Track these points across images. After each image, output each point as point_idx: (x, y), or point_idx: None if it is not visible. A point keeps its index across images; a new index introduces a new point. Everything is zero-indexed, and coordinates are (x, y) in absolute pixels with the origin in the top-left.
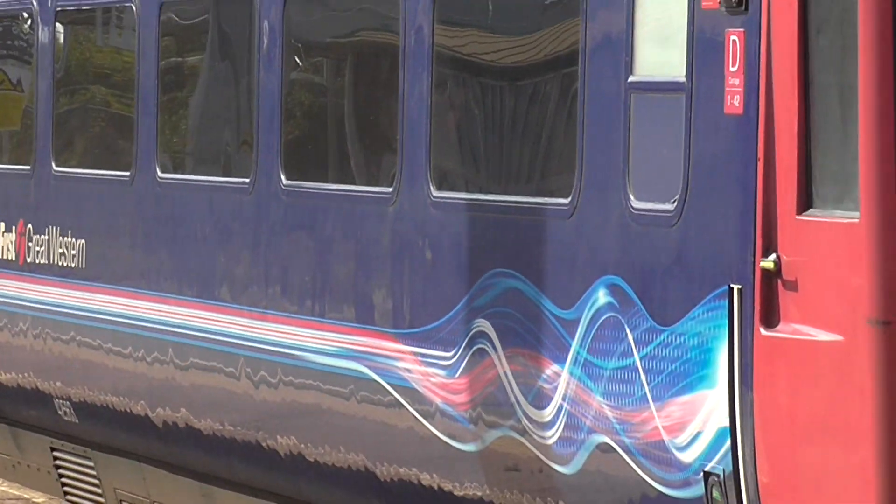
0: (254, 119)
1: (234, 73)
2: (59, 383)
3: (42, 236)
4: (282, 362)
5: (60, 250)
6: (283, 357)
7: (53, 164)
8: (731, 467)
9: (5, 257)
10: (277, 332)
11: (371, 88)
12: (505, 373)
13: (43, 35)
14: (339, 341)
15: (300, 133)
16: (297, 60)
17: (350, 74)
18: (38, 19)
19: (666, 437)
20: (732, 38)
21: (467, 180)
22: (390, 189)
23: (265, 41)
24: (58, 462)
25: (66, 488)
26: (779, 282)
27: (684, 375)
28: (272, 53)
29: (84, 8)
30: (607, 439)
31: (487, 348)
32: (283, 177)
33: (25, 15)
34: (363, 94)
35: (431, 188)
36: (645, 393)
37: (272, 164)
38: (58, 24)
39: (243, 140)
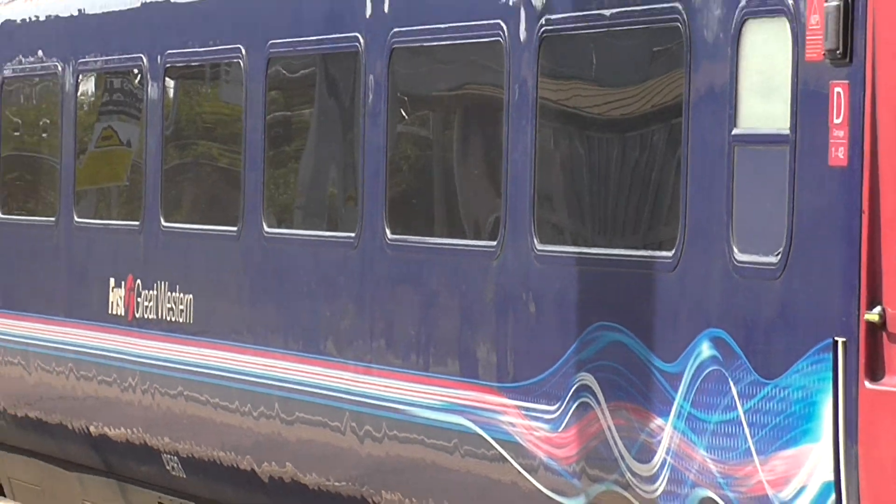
0: (359, 173)
1: (339, 126)
2: (167, 438)
3: (151, 291)
4: (386, 416)
5: (169, 305)
6: (388, 411)
7: (162, 220)
8: None
9: (114, 312)
10: (382, 386)
11: (475, 141)
12: (609, 426)
13: (152, 91)
14: (442, 395)
15: (405, 187)
16: (403, 114)
17: (454, 127)
18: (148, 75)
19: (770, 492)
20: (837, 90)
21: (570, 233)
22: (494, 243)
23: (370, 95)
24: None
25: None
26: (884, 334)
27: (788, 429)
28: (377, 107)
29: (193, 64)
30: (711, 493)
31: (591, 402)
32: (388, 231)
33: (135, 71)
34: (468, 148)
35: (535, 241)
36: (749, 447)
37: (377, 218)
38: (167, 80)
39: (349, 194)
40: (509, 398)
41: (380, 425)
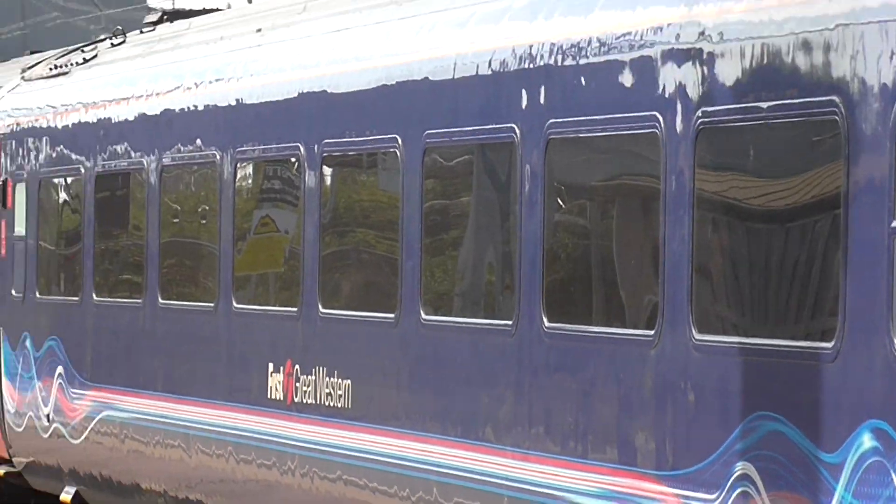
0: (516, 261)
1: (496, 215)
2: None
3: (309, 377)
4: (543, 503)
5: (327, 390)
6: (545, 497)
7: (320, 306)
8: None
9: (273, 397)
10: (539, 472)
11: (632, 231)
12: None
13: (309, 179)
14: (601, 482)
15: (562, 275)
16: (559, 203)
17: (611, 217)
18: (305, 164)
19: None
20: None
21: (729, 323)
22: (652, 332)
23: (527, 184)
24: None
25: None
26: None
27: None
28: (534, 196)
29: (350, 153)
30: None
31: (751, 491)
32: (545, 319)
33: (293, 160)
34: (625, 237)
35: (693, 331)
36: None
37: (534, 306)
38: (324, 168)
39: (506, 282)
40: (668, 486)
41: None
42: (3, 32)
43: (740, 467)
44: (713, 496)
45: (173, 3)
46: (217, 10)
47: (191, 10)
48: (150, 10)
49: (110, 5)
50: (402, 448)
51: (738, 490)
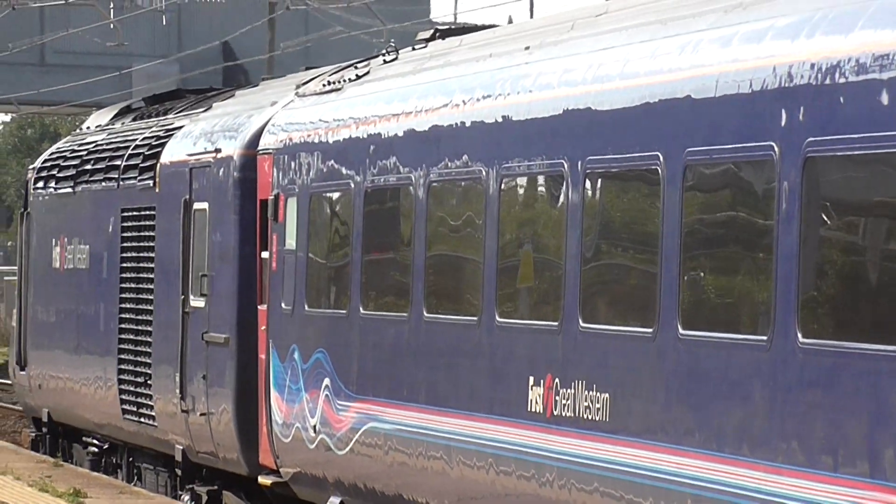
0: (772, 277)
1: (754, 231)
2: None
3: (568, 390)
4: None
5: (586, 403)
6: None
7: (580, 321)
8: None
9: (533, 410)
10: (791, 485)
11: None
12: None
13: (573, 195)
14: (850, 495)
15: (818, 292)
16: (818, 219)
17: (872, 234)
18: (569, 180)
19: None
20: None
21: None
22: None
23: (784, 201)
24: None
25: None
26: None
27: None
28: (791, 213)
29: (612, 169)
30: None
31: None
32: (799, 335)
33: (557, 176)
34: (888, 253)
35: None
36: None
37: (790, 322)
38: (587, 184)
39: (761, 299)
40: None
41: None
42: (288, 46)
43: None
44: None
45: (455, 18)
46: (491, 26)
47: (464, 27)
48: (434, 24)
49: (393, 19)
50: (657, 461)
51: None
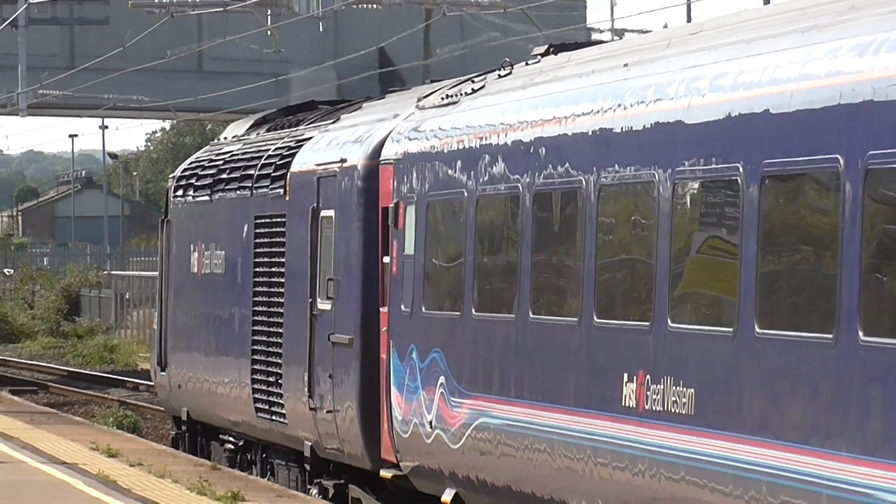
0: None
1: None
2: None
3: (658, 385)
4: (848, 499)
5: (674, 398)
6: (858, 495)
7: (669, 321)
8: None
9: (627, 405)
10: (854, 473)
11: None
12: None
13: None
14: None
15: (880, 292)
16: None
17: None
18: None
19: None
20: None
21: None
22: None
23: None
24: None
25: None
26: None
27: None
28: None
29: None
30: None
31: None
32: (860, 333)
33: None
34: None
35: None
36: None
37: (851, 320)
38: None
39: (826, 300)
40: None
41: None
42: (443, 53)
43: None
44: None
45: (612, 24)
46: (596, 42)
47: (575, 43)
48: (590, 29)
49: (550, 25)
50: (736, 451)
51: None
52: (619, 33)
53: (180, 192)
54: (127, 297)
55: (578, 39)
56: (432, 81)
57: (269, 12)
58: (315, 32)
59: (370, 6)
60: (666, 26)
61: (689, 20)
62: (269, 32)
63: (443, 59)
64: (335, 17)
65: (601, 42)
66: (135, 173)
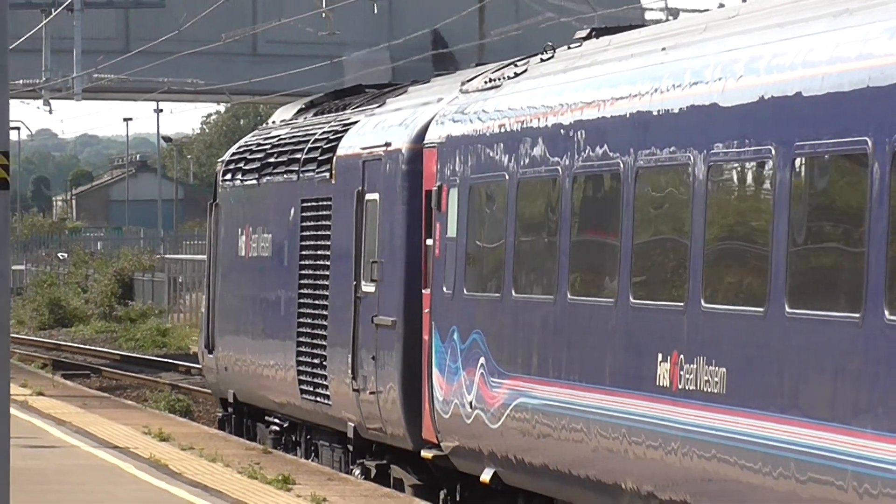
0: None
1: None
2: (704, 499)
3: (692, 365)
4: (880, 476)
5: (706, 378)
6: (882, 472)
7: (702, 302)
8: None
9: (661, 384)
10: (879, 449)
11: None
12: None
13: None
14: None
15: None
16: None
17: None
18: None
19: None
20: None
21: None
22: None
23: None
24: None
25: None
26: None
27: None
28: None
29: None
30: None
31: None
32: (886, 312)
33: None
34: None
35: None
36: None
37: (878, 300)
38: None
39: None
40: None
41: (875, 483)
42: (498, 34)
43: None
44: None
45: (666, 4)
46: (637, 26)
47: (617, 27)
48: (644, 9)
49: (605, 5)
50: (766, 429)
51: None
52: (673, 13)
53: (229, 176)
54: (180, 280)
55: (633, 19)
56: (478, 65)
57: None
58: (369, 14)
59: None
60: (722, 6)
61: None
62: (323, 15)
63: (497, 40)
64: None
65: (657, 21)
66: (189, 157)
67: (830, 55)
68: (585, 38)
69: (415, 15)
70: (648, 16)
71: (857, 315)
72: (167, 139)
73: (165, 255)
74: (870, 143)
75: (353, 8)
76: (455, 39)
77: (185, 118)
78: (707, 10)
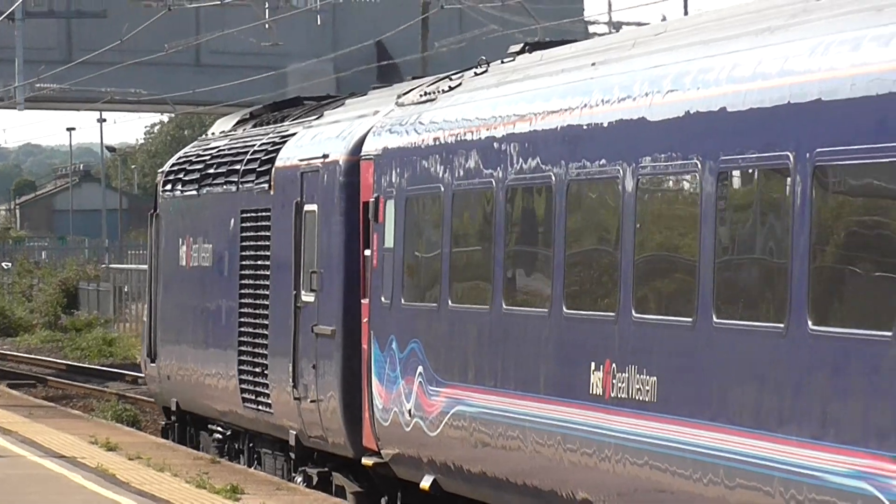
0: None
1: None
2: (632, 503)
3: (623, 374)
4: (799, 481)
5: (637, 386)
6: (805, 477)
7: (633, 312)
8: None
9: (594, 392)
10: (801, 455)
11: None
12: None
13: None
14: (849, 464)
15: (828, 283)
16: None
17: None
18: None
19: None
20: None
21: None
22: (890, 333)
23: None
24: None
25: None
26: None
27: None
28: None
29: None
30: None
31: None
32: (809, 322)
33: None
34: None
35: None
36: None
37: (801, 310)
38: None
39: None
40: None
41: (801, 489)
42: (442, 45)
43: None
44: None
45: (610, 17)
46: (570, 41)
47: (549, 42)
48: (588, 22)
49: (548, 18)
50: (695, 436)
51: None
52: (616, 26)
53: (169, 187)
54: (125, 290)
55: (576, 32)
56: (414, 78)
57: (266, 5)
58: (313, 25)
59: None
60: (664, 19)
61: (685, 13)
62: (266, 25)
63: (441, 51)
64: (333, 10)
65: (601, 34)
66: (133, 166)
67: (753, 71)
68: (519, 53)
69: (359, 26)
70: (592, 29)
71: (781, 325)
72: (111, 149)
73: (110, 265)
74: (791, 157)
75: (296, 19)
76: (399, 51)
77: (129, 128)
78: (648, 24)
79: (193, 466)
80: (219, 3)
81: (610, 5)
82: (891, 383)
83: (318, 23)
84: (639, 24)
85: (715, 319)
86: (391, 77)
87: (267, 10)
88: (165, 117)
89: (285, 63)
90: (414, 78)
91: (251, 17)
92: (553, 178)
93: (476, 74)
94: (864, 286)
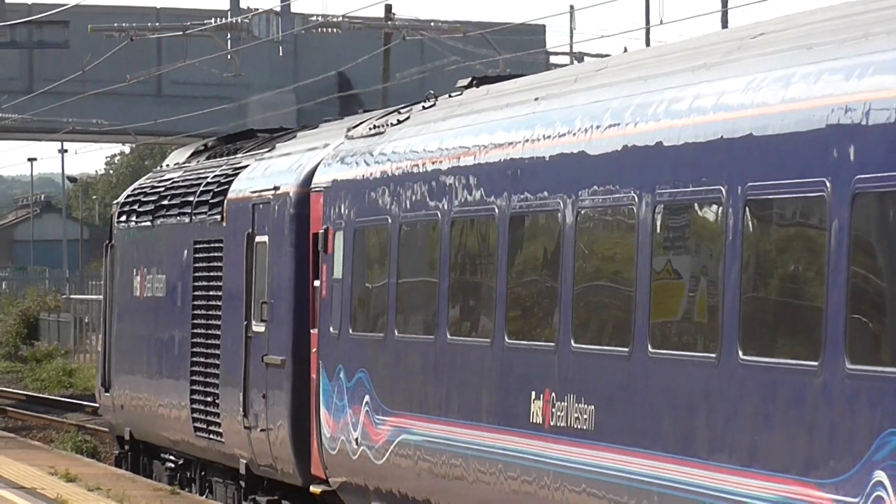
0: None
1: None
2: None
3: (562, 403)
4: None
5: (576, 415)
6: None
7: (572, 342)
8: None
9: (534, 421)
10: (732, 482)
11: None
12: None
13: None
14: (776, 490)
15: (756, 306)
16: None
17: None
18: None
19: None
20: None
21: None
22: (816, 363)
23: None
24: None
25: None
26: None
27: None
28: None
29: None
30: None
31: (884, 495)
32: (740, 352)
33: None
34: None
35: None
36: None
37: (732, 340)
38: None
39: (708, 321)
40: (825, 492)
41: None
42: (403, 77)
43: (876, 476)
44: (856, 500)
45: (571, 48)
46: (515, 76)
47: (497, 76)
48: (549, 53)
49: (509, 49)
50: (631, 463)
51: (874, 494)
52: (578, 57)
53: (124, 218)
54: (86, 320)
55: (538, 63)
56: (365, 111)
57: (228, 36)
58: (275, 57)
59: (330, 31)
60: (626, 50)
61: (647, 44)
62: (228, 56)
63: (403, 82)
64: (295, 42)
65: (563, 65)
66: (94, 197)
67: (689, 107)
68: (467, 87)
69: (320, 57)
70: (554, 60)
71: (713, 355)
72: (72, 179)
73: (71, 296)
74: (724, 190)
75: (258, 50)
76: (361, 82)
77: (90, 158)
78: (608, 56)
79: (154, 497)
80: (180, 33)
81: (572, 37)
82: (816, 412)
83: (280, 54)
84: (600, 55)
85: (650, 349)
86: (352, 108)
87: (229, 41)
88: (127, 148)
89: (247, 94)
90: (365, 111)
91: (213, 47)
92: (496, 209)
93: (424, 108)
94: (793, 317)
